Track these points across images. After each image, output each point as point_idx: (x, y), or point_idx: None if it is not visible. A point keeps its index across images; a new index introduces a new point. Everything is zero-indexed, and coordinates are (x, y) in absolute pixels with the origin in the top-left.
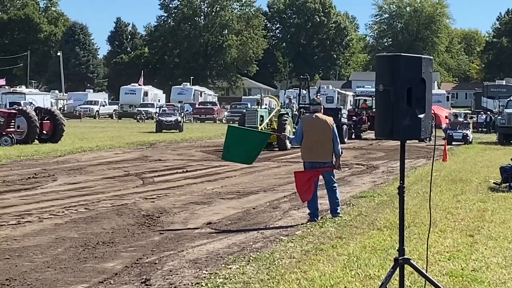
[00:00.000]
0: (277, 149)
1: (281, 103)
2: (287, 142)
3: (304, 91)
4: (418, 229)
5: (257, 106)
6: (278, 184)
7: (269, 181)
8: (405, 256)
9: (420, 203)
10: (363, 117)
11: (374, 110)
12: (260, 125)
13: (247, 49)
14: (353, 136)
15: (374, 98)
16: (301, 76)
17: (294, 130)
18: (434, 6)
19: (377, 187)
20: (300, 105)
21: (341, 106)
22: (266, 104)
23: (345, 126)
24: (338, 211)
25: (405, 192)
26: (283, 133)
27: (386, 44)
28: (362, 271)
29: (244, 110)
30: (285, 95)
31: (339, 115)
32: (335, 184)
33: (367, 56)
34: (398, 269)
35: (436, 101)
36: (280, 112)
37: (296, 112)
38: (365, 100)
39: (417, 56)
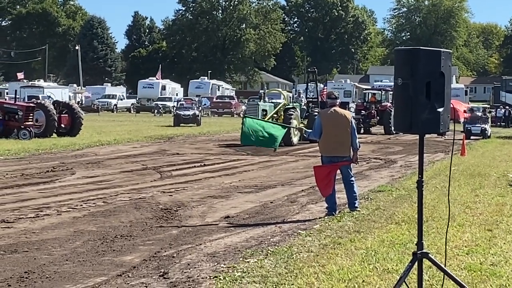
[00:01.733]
0: (283, 144)
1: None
2: (294, 138)
3: (312, 85)
4: (437, 223)
5: (259, 100)
6: (296, 178)
7: (287, 175)
8: (424, 250)
9: (438, 197)
10: (372, 111)
11: (383, 104)
12: (263, 119)
13: (265, 43)
14: (361, 131)
15: (383, 92)
16: (309, 70)
17: (302, 124)
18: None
19: (395, 181)
20: (308, 99)
21: (348, 100)
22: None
23: (353, 121)
24: (356, 205)
25: (423, 186)
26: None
27: (404, 38)
28: (380, 265)
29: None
30: (293, 89)
31: (347, 109)
32: (353, 178)
33: (385, 50)
34: (416, 263)
35: (455, 95)
36: (286, 106)
37: (305, 107)
38: (374, 94)
39: (436, 50)
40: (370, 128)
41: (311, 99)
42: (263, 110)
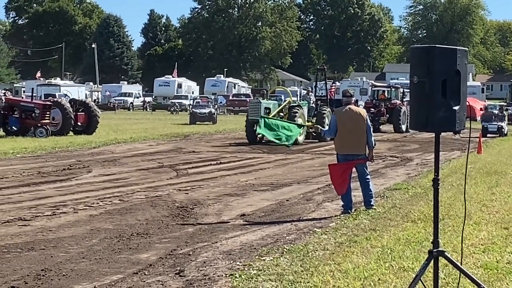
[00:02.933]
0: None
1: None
2: (299, 137)
3: (321, 83)
4: (453, 222)
5: (261, 98)
6: (311, 176)
7: (303, 173)
8: (440, 249)
9: (454, 195)
10: (382, 109)
11: (393, 101)
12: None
13: (281, 41)
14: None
15: (392, 89)
16: (318, 67)
17: (310, 123)
18: None
19: (411, 179)
20: (317, 97)
21: (356, 98)
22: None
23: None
24: (372, 203)
25: (439, 184)
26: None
27: (420, 36)
28: (396, 263)
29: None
30: (300, 87)
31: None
32: (368, 176)
33: (401, 48)
34: (432, 262)
35: (471, 93)
36: (291, 104)
37: (313, 105)
38: (384, 91)
39: (452, 48)
40: (380, 126)
41: (320, 97)
42: (265, 108)
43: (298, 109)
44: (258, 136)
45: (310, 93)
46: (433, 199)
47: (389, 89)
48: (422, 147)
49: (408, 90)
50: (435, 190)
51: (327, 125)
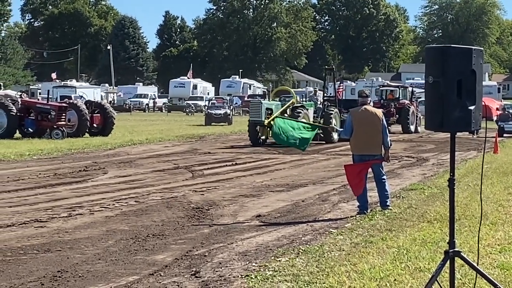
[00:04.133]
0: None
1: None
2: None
3: (330, 83)
4: (469, 222)
5: (263, 98)
6: (327, 177)
7: (318, 173)
8: (456, 249)
9: (470, 195)
10: (391, 109)
11: (401, 101)
12: (267, 118)
13: (296, 42)
14: None
15: (401, 88)
16: (326, 67)
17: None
18: None
19: (427, 179)
20: (325, 98)
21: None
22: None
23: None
24: (387, 203)
25: (455, 184)
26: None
27: (436, 35)
28: (412, 264)
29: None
30: (305, 87)
31: None
32: (384, 177)
33: (417, 48)
34: (448, 262)
35: (487, 92)
36: (295, 105)
37: (321, 105)
38: (392, 91)
39: (467, 48)
40: (389, 127)
41: (328, 98)
42: (267, 109)
43: (301, 110)
44: (262, 138)
45: (317, 93)
46: (449, 199)
47: (397, 88)
48: (438, 147)
49: (417, 90)
50: (451, 190)
51: (334, 125)
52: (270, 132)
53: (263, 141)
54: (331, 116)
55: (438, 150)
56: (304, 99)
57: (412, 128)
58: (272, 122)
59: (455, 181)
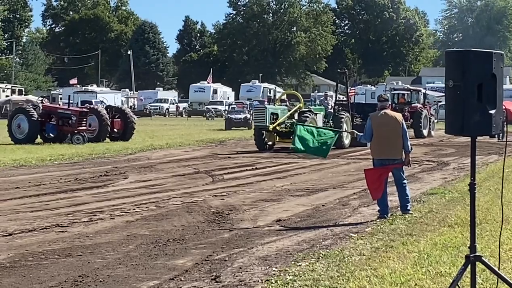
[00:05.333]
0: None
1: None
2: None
3: (342, 87)
4: (490, 226)
5: (268, 103)
6: (347, 181)
7: (338, 178)
8: (477, 254)
9: (492, 199)
10: (405, 113)
11: (413, 105)
12: (273, 123)
13: (316, 46)
14: None
15: (412, 92)
16: (339, 70)
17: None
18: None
19: (448, 183)
20: (337, 102)
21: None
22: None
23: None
24: (408, 208)
25: (476, 188)
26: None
27: (456, 39)
28: (433, 268)
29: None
30: (316, 92)
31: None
32: (405, 181)
33: (437, 52)
34: (469, 267)
35: (508, 96)
36: (302, 110)
37: (331, 110)
38: (403, 95)
39: (487, 51)
40: None
41: (340, 102)
42: (272, 113)
43: (309, 115)
44: (268, 143)
45: (328, 98)
46: (470, 203)
47: (409, 92)
48: (459, 151)
49: (437, 93)
50: (471, 195)
51: (345, 130)
52: (277, 137)
53: (270, 146)
54: (342, 120)
55: (458, 154)
56: (313, 103)
57: (425, 132)
58: (278, 128)
59: (476, 185)
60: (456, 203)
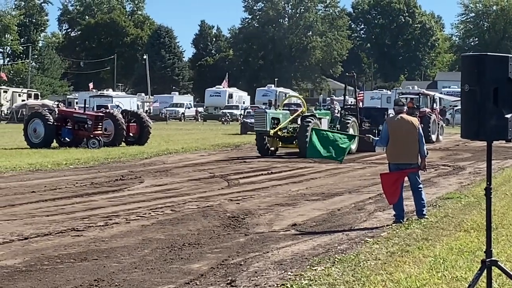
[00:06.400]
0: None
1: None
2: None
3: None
4: (506, 231)
5: (269, 107)
6: (363, 186)
7: (354, 182)
8: (493, 258)
9: (508, 204)
10: (417, 118)
11: (421, 109)
12: (274, 128)
13: (332, 50)
14: None
15: (421, 96)
16: (347, 74)
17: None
18: None
19: (464, 188)
20: (346, 106)
21: (387, 107)
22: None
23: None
24: (424, 212)
25: (492, 193)
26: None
27: (472, 43)
28: (449, 273)
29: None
30: (321, 96)
31: (386, 116)
32: (421, 185)
33: (453, 56)
34: (485, 271)
35: None
36: (304, 114)
37: (338, 115)
38: (412, 99)
39: (503, 56)
40: None
41: (349, 106)
42: (273, 118)
43: (311, 119)
44: (271, 148)
45: (335, 102)
46: (486, 208)
47: (417, 96)
48: (475, 155)
49: (452, 98)
50: (487, 199)
51: (362, 135)
52: (279, 142)
53: (272, 152)
54: (348, 125)
55: (474, 158)
56: (319, 107)
57: (434, 137)
58: (279, 133)
59: (492, 190)
60: (472, 208)
